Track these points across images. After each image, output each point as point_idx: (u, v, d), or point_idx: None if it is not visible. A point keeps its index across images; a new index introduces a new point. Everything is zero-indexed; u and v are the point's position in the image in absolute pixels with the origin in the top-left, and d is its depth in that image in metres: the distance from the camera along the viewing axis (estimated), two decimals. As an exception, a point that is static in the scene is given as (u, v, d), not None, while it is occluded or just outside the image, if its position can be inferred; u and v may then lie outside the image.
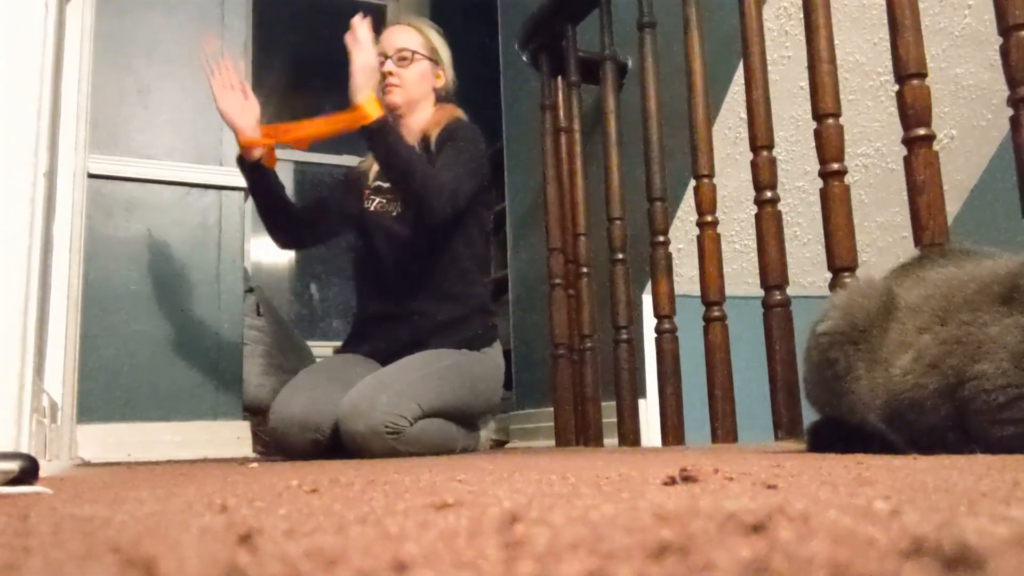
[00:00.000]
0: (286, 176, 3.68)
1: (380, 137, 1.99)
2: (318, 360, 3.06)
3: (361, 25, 2.01)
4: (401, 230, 2.17)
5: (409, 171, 2.02)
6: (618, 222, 2.09)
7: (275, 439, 2.01)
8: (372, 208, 2.24)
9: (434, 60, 2.24)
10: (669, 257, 1.94)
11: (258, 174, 2.13)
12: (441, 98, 2.29)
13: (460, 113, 2.27)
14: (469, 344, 2.14)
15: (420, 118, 2.24)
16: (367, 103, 1.99)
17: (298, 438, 1.93)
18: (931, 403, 0.97)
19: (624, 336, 2.06)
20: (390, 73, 2.18)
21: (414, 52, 2.20)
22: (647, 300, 2.22)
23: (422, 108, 2.25)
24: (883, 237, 2.51)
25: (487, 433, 2.32)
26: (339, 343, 3.94)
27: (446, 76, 2.27)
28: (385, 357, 2.13)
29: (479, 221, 2.22)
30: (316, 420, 1.92)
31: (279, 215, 2.23)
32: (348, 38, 2.01)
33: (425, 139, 2.19)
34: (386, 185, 2.24)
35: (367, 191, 2.27)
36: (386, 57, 2.20)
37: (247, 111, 2.10)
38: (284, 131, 2.16)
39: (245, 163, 2.13)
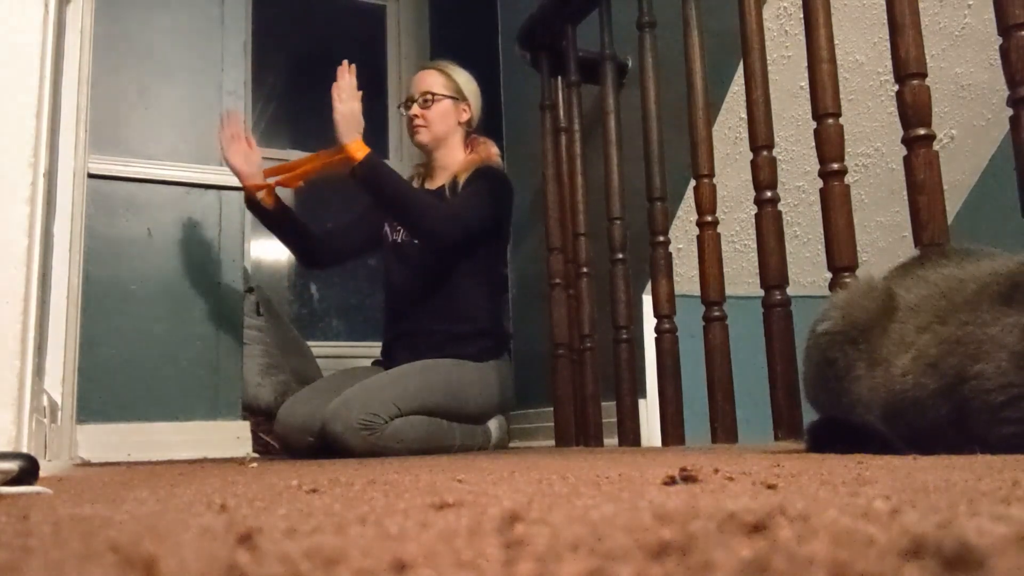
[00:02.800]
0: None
1: (369, 176, 2.15)
2: (318, 360, 3.10)
3: (344, 72, 2.16)
4: (422, 259, 2.35)
5: (403, 202, 2.21)
6: (618, 222, 2.09)
7: (279, 440, 2.29)
8: (399, 240, 2.42)
9: (456, 97, 2.42)
10: (669, 257, 1.94)
11: (267, 213, 2.33)
12: (472, 130, 2.48)
13: (494, 153, 2.46)
14: (475, 357, 2.30)
15: (451, 152, 2.44)
16: (353, 147, 2.14)
17: (297, 440, 2.19)
18: (931, 403, 0.97)
19: (624, 336, 2.06)
20: (415, 115, 2.40)
21: (434, 94, 2.40)
22: (647, 300, 2.22)
23: (451, 142, 2.44)
24: (883, 237, 2.51)
25: (499, 432, 2.35)
26: (339, 343, 3.96)
27: (472, 110, 2.46)
28: (396, 366, 2.30)
29: (496, 252, 2.45)
30: (311, 425, 2.14)
31: (297, 242, 2.44)
32: (333, 86, 2.15)
33: (454, 181, 2.36)
34: None
35: (389, 222, 2.45)
36: (412, 101, 2.42)
37: (250, 160, 2.30)
38: (280, 173, 2.34)
39: (253, 204, 2.33)
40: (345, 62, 2.17)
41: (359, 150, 2.14)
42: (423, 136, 2.42)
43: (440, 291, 2.33)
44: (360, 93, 2.17)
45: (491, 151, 2.46)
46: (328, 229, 2.55)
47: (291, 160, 2.48)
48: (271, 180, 2.32)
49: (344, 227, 2.54)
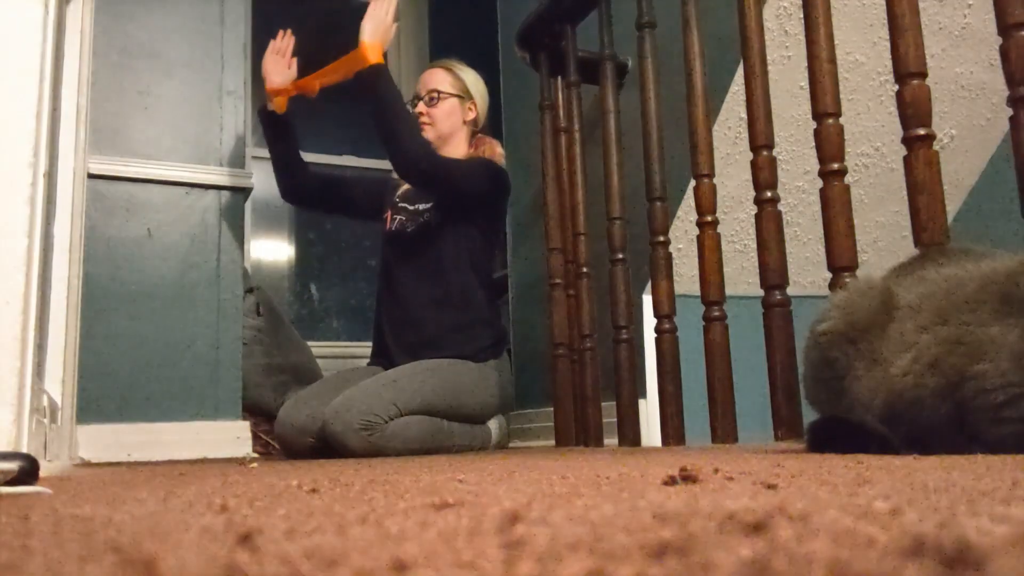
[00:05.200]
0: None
1: (372, 80, 2.19)
2: (318, 360, 3.10)
3: None
4: (418, 246, 2.36)
5: (392, 119, 2.22)
6: (618, 222, 2.09)
7: (279, 442, 2.28)
8: (393, 228, 2.43)
9: (462, 96, 2.45)
10: (669, 257, 1.94)
11: (274, 121, 2.43)
12: (477, 129, 2.51)
13: (498, 152, 2.48)
14: (473, 356, 2.30)
15: (455, 150, 2.45)
16: (369, 47, 2.19)
17: (298, 442, 2.17)
18: (931, 403, 0.97)
19: (624, 336, 2.05)
20: (422, 113, 2.43)
21: (440, 92, 2.43)
22: (647, 300, 2.22)
23: (456, 141, 2.46)
24: (883, 237, 2.51)
25: (499, 432, 2.35)
26: (339, 343, 3.96)
27: (477, 109, 2.48)
28: (393, 365, 2.30)
29: (489, 249, 2.45)
30: (311, 426, 2.14)
31: (288, 164, 2.48)
32: None
33: None
34: (411, 207, 2.43)
35: (390, 210, 2.47)
36: (418, 99, 2.45)
37: (283, 73, 2.43)
38: (300, 81, 2.45)
39: (264, 112, 2.43)
40: None
41: (373, 53, 2.19)
42: (428, 134, 2.42)
43: (435, 279, 2.34)
44: (396, 26, 2.24)
45: (495, 151, 2.47)
46: (326, 173, 2.60)
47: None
48: (291, 87, 2.43)
49: (343, 179, 2.60)
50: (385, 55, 2.26)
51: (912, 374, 0.99)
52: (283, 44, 2.45)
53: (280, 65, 2.43)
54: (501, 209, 2.48)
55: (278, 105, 2.41)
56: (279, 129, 2.45)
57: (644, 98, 1.98)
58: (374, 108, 2.22)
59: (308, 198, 2.60)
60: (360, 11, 2.26)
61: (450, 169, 2.29)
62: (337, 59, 2.33)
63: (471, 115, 2.46)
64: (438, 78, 2.45)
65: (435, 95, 2.42)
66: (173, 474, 1.15)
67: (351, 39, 2.23)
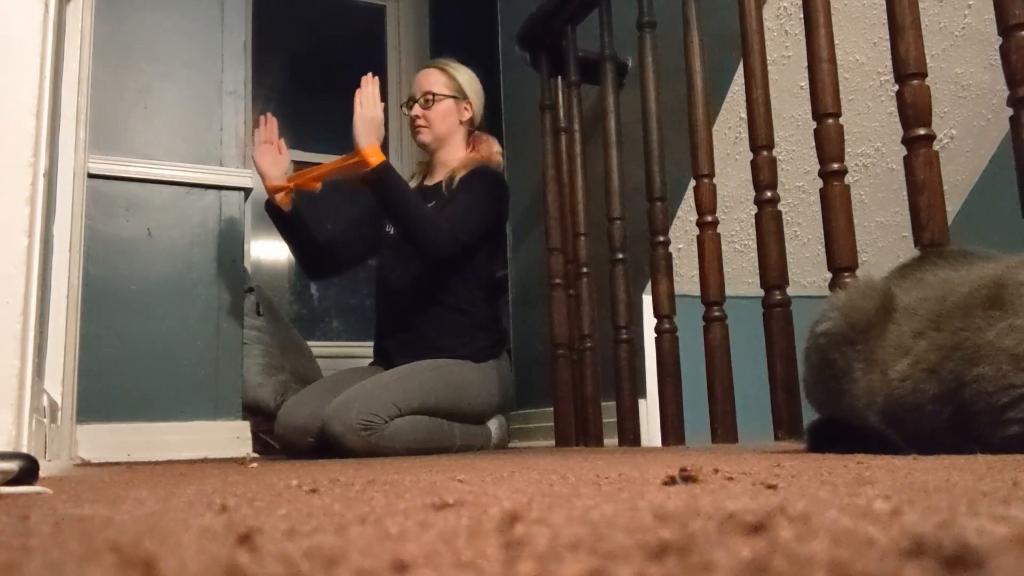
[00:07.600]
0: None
1: (379, 184, 2.18)
2: (318, 360, 3.10)
3: (368, 82, 2.21)
4: (414, 252, 2.33)
5: (406, 215, 2.21)
6: (618, 222, 2.09)
7: (279, 441, 2.28)
8: (392, 232, 2.42)
9: (457, 96, 2.44)
10: (669, 257, 1.94)
11: (283, 217, 2.38)
12: (474, 128, 2.50)
13: (496, 151, 2.48)
14: (473, 356, 2.30)
15: (453, 150, 2.45)
16: (368, 151, 2.17)
17: (298, 441, 2.18)
18: (931, 407, 0.97)
19: (624, 336, 2.06)
20: (417, 116, 2.43)
21: (435, 94, 2.42)
22: (647, 300, 2.22)
23: (453, 141, 2.45)
24: (883, 237, 2.51)
25: (499, 432, 2.35)
26: (339, 343, 3.96)
27: (473, 109, 2.47)
28: (393, 366, 2.30)
29: (487, 252, 2.43)
30: (311, 426, 2.14)
31: (306, 251, 2.47)
32: (356, 92, 2.20)
33: (451, 178, 2.38)
34: None
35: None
36: (414, 101, 2.44)
37: (278, 163, 2.38)
38: (300, 176, 2.41)
39: (271, 208, 2.38)
40: (370, 74, 2.23)
41: (374, 155, 2.17)
42: (425, 136, 2.43)
43: (436, 284, 2.34)
44: (383, 104, 2.22)
45: (493, 149, 2.47)
46: (330, 238, 2.54)
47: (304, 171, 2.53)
48: (290, 183, 2.38)
49: (344, 234, 2.55)
50: (384, 145, 2.25)
51: (911, 379, 0.99)
52: (268, 131, 2.39)
53: (271, 155, 2.37)
54: (503, 214, 2.47)
55: (282, 203, 2.36)
56: (291, 225, 2.40)
57: (644, 98, 1.98)
58: (387, 208, 2.23)
59: (333, 270, 2.64)
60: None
61: (469, 233, 2.27)
62: (338, 159, 2.32)
63: (467, 115, 2.46)
64: (432, 79, 2.44)
65: (430, 97, 2.41)
66: (173, 474, 1.15)
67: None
